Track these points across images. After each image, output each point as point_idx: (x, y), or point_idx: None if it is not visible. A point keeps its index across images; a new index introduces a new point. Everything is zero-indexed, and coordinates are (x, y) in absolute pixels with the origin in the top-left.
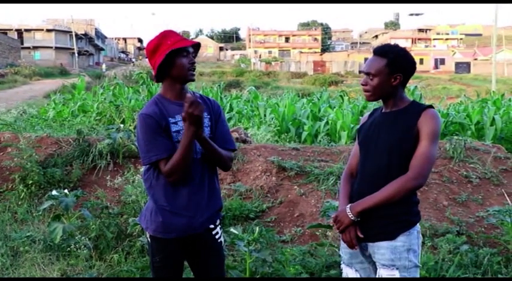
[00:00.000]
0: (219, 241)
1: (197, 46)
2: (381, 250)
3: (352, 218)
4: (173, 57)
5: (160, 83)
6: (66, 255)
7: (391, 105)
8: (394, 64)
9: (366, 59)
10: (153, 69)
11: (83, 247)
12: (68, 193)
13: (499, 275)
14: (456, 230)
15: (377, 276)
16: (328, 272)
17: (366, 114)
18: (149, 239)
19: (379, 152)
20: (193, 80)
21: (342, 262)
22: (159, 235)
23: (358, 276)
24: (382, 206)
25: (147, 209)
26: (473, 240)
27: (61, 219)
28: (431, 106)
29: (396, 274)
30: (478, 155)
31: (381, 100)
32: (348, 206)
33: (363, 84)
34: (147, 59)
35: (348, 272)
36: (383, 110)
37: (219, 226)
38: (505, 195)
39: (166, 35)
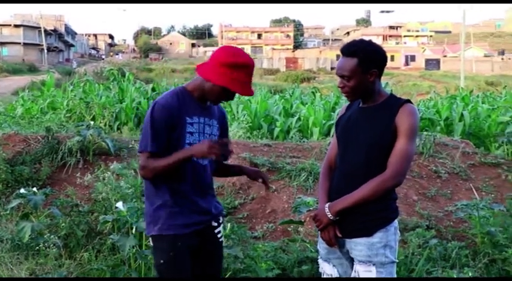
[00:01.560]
0: (220, 240)
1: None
2: (358, 246)
3: (331, 217)
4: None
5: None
6: (35, 254)
7: (370, 100)
8: (366, 61)
9: (338, 56)
10: (208, 66)
11: (52, 245)
12: (36, 191)
13: (466, 268)
14: (426, 225)
15: (353, 272)
16: (300, 268)
17: (344, 106)
18: (152, 241)
19: (357, 147)
20: (214, 104)
21: (319, 257)
22: (164, 232)
23: (335, 271)
24: (360, 204)
25: (147, 215)
26: (442, 234)
27: (29, 218)
28: (409, 101)
29: (373, 270)
30: (447, 151)
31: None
32: (327, 205)
33: (340, 87)
34: (118, 56)
35: (325, 267)
36: (360, 105)
37: (221, 225)
38: (473, 189)
39: (245, 68)
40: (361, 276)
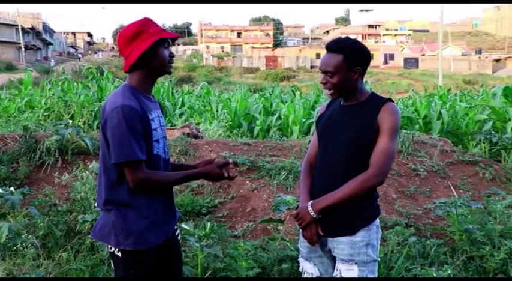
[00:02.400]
0: (178, 238)
1: (173, 40)
2: (340, 245)
3: (313, 215)
4: (155, 47)
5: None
6: (13, 254)
7: (352, 98)
8: (351, 58)
9: (317, 55)
10: (126, 58)
11: (30, 245)
12: (14, 190)
13: (445, 265)
14: (405, 222)
15: (335, 270)
16: (280, 266)
17: (324, 104)
18: (121, 255)
19: (338, 146)
20: (170, 73)
21: (300, 256)
22: (140, 247)
23: (316, 270)
24: (343, 202)
25: (110, 224)
26: (421, 231)
27: (7, 217)
28: (390, 100)
29: (355, 269)
30: (425, 149)
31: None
32: (309, 203)
33: (323, 83)
34: (96, 54)
35: (305, 266)
36: (342, 103)
37: (177, 228)
38: (451, 187)
39: (148, 22)
40: (343, 275)
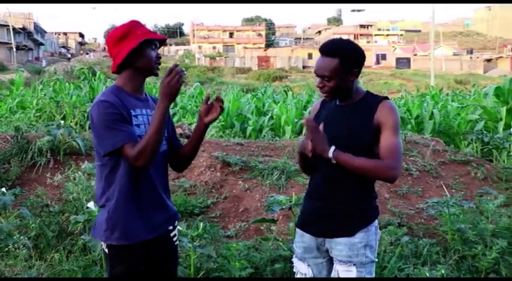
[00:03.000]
0: (175, 243)
1: (161, 42)
2: (338, 246)
3: (331, 156)
4: (142, 48)
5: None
6: (4, 255)
7: (348, 98)
8: (347, 62)
9: (309, 55)
10: (114, 58)
11: (22, 246)
12: (5, 191)
13: (438, 265)
14: (397, 222)
15: (333, 271)
16: (273, 267)
17: (317, 102)
18: (108, 250)
19: (338, 147)
20: (157, 75)
21: (294, 256)
22: (124, 242)
23: (310, 271)
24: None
25: (103, 220)
26: (414, 231)
27: None
28: (387, 97)
29: (353, 270)
30: (417, 148)
31: None
32: (334, 148)
33: (319, 87)
34: (88, 55)
35: (299, 266)
36: (337, 103)
37: (176, 228)
38: (443, 187)
39: (136, 24)
40: (341, 276)
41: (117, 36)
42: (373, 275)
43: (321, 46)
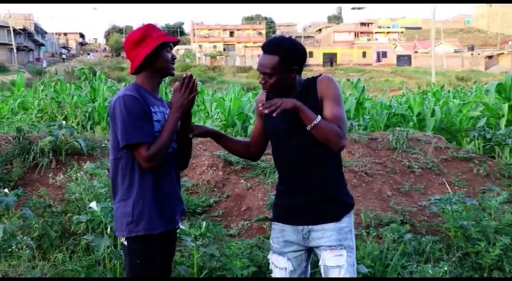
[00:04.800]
0: (177, 235)
1: (175, 43)
2: (327, 232)
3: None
4: (158, 50)
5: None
6: (8, 256)
7: (292, 92)
8: (287, 60)
9: (310, 53)
10: (132, 61)
11: (25, 247)
12: (8, 192)
13: (441, 262)
14: (400, 220)
15: (321, 261)
16: None
17: (261, 93)
18: (128, 243)
19: (299, 138)
20: (173, 75)
21: (271, 252)
22: (148, 232)
23: (290, 264)
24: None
25: (127, 213)
26: (416, 228)
27: (1, 219)
28: (321, 74)
29: (344, 254)
30: (419, 146)
31: None
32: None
33: (261, 83)
34: (89, 56)
35: (278, 260)
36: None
37: (180, 222)
38: (446, 184)
39: (152, 28)
40: (330, 263)
41: (135, 40)
42: (355, 265)
43: (263, 44)
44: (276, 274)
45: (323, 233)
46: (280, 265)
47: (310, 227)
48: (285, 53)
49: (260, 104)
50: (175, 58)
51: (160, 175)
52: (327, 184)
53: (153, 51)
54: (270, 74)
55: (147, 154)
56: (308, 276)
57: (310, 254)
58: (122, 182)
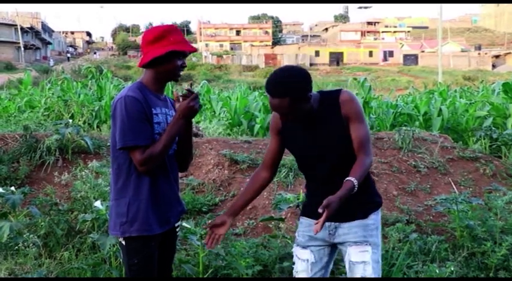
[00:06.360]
0: (177, 234)
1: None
2: (353, 229)
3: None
4: (169, 55)
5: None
6: (14, 254)
7: (311, 111)
8: (297, 96)
9: (316, 52)
10: (144, 54)
11: (31, 245)
12: (14, 190)
13: (447, 262)
14: (406, 219)
15: (346, 255)
16: (281, 264)
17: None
18: (125, 243)
19: (329, 157)
20: (177, 81)
21: (295, 245)
22: (143, 234)
23: (312, 257)
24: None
25: (121, 213)
26: (422, 228)
27: (8, 217)
28: (340, 90)
29: (369, 250)
30: (425, 145)
31: None
32: (353, 179)
33: (282, 120)
34: (95, 55)
35: (302, 253)
36: None
37: (180, 220)
38: (452, 184)
39: (172, 30)
40: (355, 258)
41: (150, 38)
42: (380, 262)
43: (267, 88)
44: (298, 266)
45: (349, 230)
46: (302, 256)
47: (337, 224)
48: (293, 92)
49: (314, 230)
50: (184, 66)
51: (157, 177)
52: (359, 185)
53: (163, 55)
54: (287, 113)
55: (141, 157)
56: (328, 272)
57: (334, 250)
58: (115, 182)
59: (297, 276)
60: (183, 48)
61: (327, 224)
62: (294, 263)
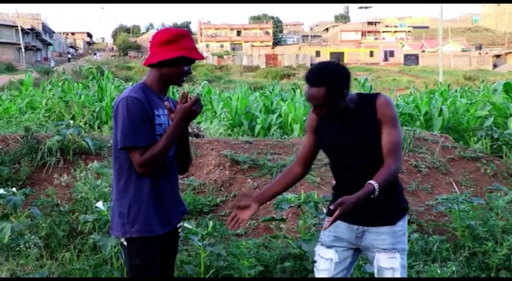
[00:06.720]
0: (179, 234)
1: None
2: (382, 235)
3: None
4: (179, 60)
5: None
6: (16, 255)
7: (346, 112)
8: (335, 88)
9: (317, 52)
10: (152, 53)
11: (33, 246)
12: (16, 191)
13: (448, 262)
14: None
15: (375, 261)
16: (282, 264)
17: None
18: (126, 243)
19: (357, 152)
20: (180, 85)
21: (319, 244)
22: (144, 234)
23: (337, 256)
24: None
25: (122, 213)
26: (423, 228)
27: (9, 218)
28: (378, 94)
29: (397, 257)
30: (426, 145)
31: None
32: (375, 183)
33: (315, 113)
34: (96, 55)
35: (325, 253)
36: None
37: (181, 220)
38: (453, 183)
39: (185, 36)
40: (384, 264)
41: (164, 39)
42: (406, 264)
43: (306, 76)
44: (320, 264)
45: (377, 236)
46: (326, 255)
47: (365, 228)
48: (331, 83)
49: (327, 224)
50: (190, 73)
51: (158, 177)
52: (385, 189)
53: (172, 59)
54: (321, 105)
55: (140, 159)
56: (350, 273)
57: (357, 253)
58: (117, 182)
59: (318, 274)
60: (193, 56)
61: (355, 227)
62: (315, 262)
